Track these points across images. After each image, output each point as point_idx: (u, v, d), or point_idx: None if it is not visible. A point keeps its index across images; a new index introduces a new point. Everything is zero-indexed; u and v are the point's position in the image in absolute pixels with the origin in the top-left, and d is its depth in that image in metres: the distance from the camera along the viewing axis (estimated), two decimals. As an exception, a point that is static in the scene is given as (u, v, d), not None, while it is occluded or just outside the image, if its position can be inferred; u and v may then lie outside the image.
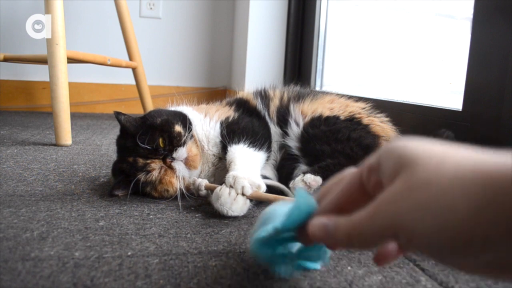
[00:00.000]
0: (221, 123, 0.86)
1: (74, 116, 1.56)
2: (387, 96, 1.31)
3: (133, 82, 1.98)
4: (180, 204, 0.76)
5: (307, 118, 0.87)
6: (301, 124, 0.87)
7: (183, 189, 0.77)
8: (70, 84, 1.30)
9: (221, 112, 0.91)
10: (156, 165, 0.76)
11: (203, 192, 0.77)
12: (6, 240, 0.57)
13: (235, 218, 0.70)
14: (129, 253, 0.55)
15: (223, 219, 0.70)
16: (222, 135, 0.84)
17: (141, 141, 0.76)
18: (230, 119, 0.88)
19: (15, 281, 0.46)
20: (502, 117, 0.74)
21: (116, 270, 0.50)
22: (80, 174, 0.95)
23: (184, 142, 0.79)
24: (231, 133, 0.83)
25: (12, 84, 2.15)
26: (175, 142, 0.78)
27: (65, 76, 1.27)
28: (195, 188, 0.78)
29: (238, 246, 0.59)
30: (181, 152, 0.78)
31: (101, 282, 0.47)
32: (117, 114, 0.79)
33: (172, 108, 0.91)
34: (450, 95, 1.20)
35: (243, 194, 0.69)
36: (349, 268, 0.54)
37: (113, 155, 1.17)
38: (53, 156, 1.12)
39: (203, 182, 0.78)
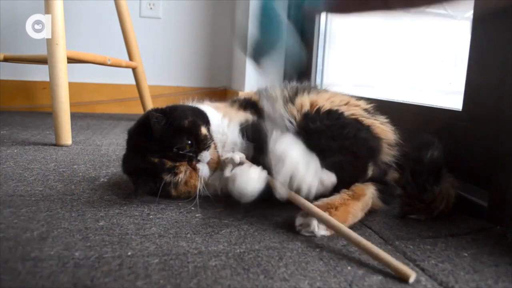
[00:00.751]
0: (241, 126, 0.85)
1: (74, 116, 1.56)
2: (387, 96, 1.31)
3: (133, 82, 1.98)
4: (198, 202, 0.76)
5: (304, 109, 0.86)
6: (294, 121, 0.85)
7: (202, 189, 0.77)
8: (70, 84, 1.30)
9: (240, 115, 0.90)
10: (183, 168, 0.76)
11: (235, 165, 0.75)
12: (6, 240, 0.57)
13: (235, 217, 0.70)
14: (129, 253, 0.55)
15: (223, 219, 0.70)
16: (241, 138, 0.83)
17: (177, 148, 0.75)
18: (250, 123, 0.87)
19: (15, 281, 0.46)
20: (502, 117, 0.74)
21: (116, 270, 0.50)
22: (80, 174, 0.95)
23: (209, 146, 0.79)
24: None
25: (12, 84, 2.15)
26: (201, 145, 0.78)
27: (65, 76, 1.27)
28: (229, 162, 0.76)
29: (238, 246, 0.59)
30: (206, 155, 0.78)
31: (101, 282, 0.47)
32: (151, 116, 0.76)
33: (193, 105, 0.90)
34: (450, 95, 1.20)
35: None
36: (349, 268, 0.54)
37: (113, 155, 1.17)
38: (53, 156, 1.12)
39: (238, 155, 0.76)
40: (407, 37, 1.48)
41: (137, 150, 0.79)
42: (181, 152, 0.76)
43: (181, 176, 0.76)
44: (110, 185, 0.87)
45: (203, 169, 0.78)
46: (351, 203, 0.70)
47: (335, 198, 0.71)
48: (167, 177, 0.75)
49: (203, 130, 0.80)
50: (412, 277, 0.51)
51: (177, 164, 0.76)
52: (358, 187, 0.75)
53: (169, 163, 0.76)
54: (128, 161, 0.81)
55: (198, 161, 0.78)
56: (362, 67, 1.74)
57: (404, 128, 0.90)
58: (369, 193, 0.75)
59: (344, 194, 0.73)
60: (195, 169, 0.78)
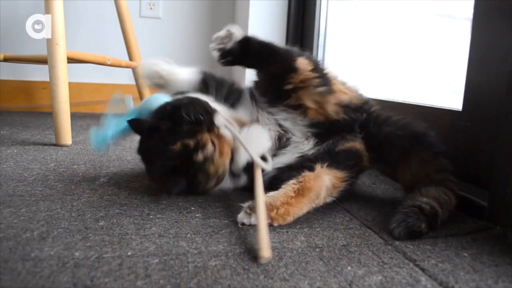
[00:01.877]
0: None
1: (74, 116, 1.56)
2: (387, 96, 1.31)
3: (133, 82, 1.98)
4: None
5: None
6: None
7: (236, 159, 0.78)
8: (70, 84, 1.30)
9: None
10: (206, 138, 0.73)
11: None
12: (6, 240, 0.57)
13: (235, 217, 0.70)
14: (129, 253, 0.55)
15: (223, 219, 0.70)
16: None
17: (185, 114, 0.72)
18: None
19: (15, 281, 0.46)
20: (502, 117, 0.74)
21: (116, 270, 0.50)
22: (80, 174, 0.95)
23: (216, 111, 0.78)
24: None
25: (12, 84, 2.15)
26: (209, 111, 0.76)
27: (65, 76, 1.27)
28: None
29: (238, 246, 0.59)
30: (220, 118, 0.76)
31: (101, 282, 0.47)
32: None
33: None
34: (450, 95, 1.20)
35: None
36: (349, 268, 0.54)
37: (113, 155, 1.17)
38: (53, 156, 1.12)
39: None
40: (407, 37, 1.48)
41: (153, 158, 0.78)
42: (192, 118, 0.72)
43: (210, 146, 0.73)
44: (110, 185, 0.87)
45: (227, 132, 0.76)
46: (294, 202, 0.69)
47: (279, 195, 0.69)
48: (199, 156, 0.72)
49: (205, 98, 0.80)
50: (263, 259, 0.54)
51: (199, 137, 0.73)
52: (308, 177, 0.72)
53: (191, 142, 0.72)
54: (153, 171, 0.80)
55: (217, 127, 0.75)
56: (362, 67, 1.74)
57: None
58: (319, 184, 0.72)
59: (289, 189, 0.71)
60: (219, 137, 0.75)
